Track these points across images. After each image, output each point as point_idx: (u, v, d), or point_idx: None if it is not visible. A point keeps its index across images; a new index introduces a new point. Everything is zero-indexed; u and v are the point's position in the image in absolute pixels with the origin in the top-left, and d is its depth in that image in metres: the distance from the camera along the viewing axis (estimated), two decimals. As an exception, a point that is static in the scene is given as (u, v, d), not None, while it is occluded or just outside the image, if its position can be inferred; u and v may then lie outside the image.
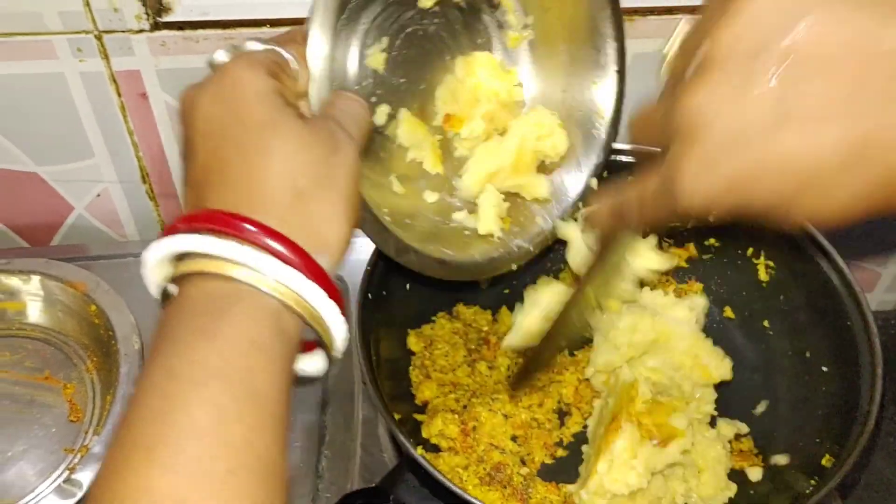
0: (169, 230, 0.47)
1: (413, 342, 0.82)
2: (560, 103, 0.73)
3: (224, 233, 0.45)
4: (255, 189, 0.47)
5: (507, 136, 0.70)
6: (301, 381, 0.49)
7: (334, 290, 0.47)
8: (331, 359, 0.50)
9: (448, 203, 0.71)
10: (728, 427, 0.79)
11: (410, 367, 0.81)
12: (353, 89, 0.62)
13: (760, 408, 0.81)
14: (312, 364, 0.50)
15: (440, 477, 0.63)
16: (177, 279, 0.47)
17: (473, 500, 0.62)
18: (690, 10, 0.84)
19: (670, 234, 0.88)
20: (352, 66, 0.62)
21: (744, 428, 0.80)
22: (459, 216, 0.70)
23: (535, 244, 0.72)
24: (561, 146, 0.72)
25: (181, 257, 0.47)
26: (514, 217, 0.72)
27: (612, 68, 0.72)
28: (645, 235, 0.73)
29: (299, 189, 0.47)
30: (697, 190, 0.46)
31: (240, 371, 0.43)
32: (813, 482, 0.69)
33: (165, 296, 0.48)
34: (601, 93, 0.73)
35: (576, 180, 0.74)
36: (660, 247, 0.89)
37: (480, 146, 0.69)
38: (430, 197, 0.69)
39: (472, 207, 0.70)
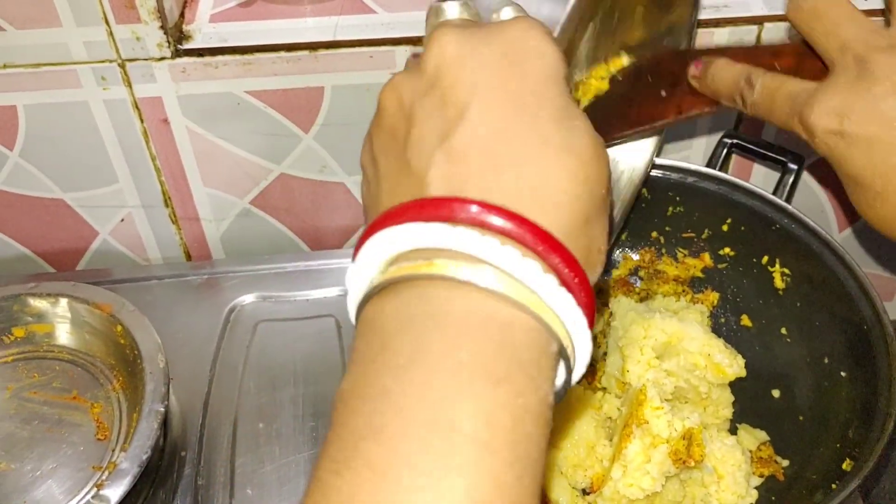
0: (418, 207, 0.36)
1: None
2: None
3: (509, 236, 0.35)
4: (550, 195, 0.37)
5: None
6: None
7: (592, 321, 0.38)
8: (570, 378, 0.39)
9: None
10: (748, 436, 0.79)
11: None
12: None
13: (779, 414, 0.82)
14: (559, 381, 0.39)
15: None
16: (395, 281, 0.36)
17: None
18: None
19: (685, 244, 0.89)
20: None
21: (763, 436, 0.80)
22: None
23: None
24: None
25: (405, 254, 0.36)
26: None
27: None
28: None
29: (592, 205, 0.38)
30: (824, 121, 0.48)
31: (531, 433, 0.34)
32: (834, 486, 0.69)
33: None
34: None
35: None
36: (674, 257, 0.90)
37: None
38: None
39: None
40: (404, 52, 0.86)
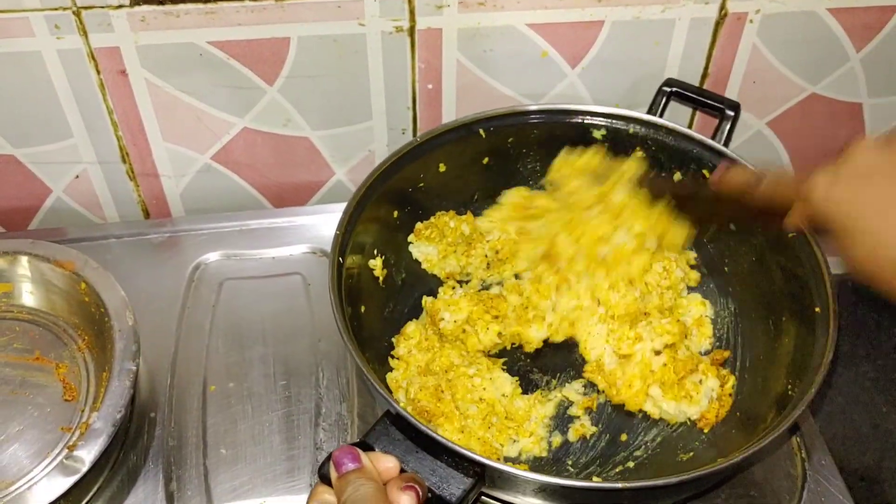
0: None
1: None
2: None
3: None
4: None
5: None
6: None
7: None
8: None
9: None
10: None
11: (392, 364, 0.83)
12: None
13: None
14: None
15: (422, 427, 0.64)
16: None
17: (455, 447, 0.63)
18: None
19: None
20: None
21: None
22: None
23: None
24: None
25: None
26: None
27: None
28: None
29: None
30: (822, 193, 0.62)
31: None
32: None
33: None
34: None
35: None
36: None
37: None
38: None
39: None
40: (373, 2, 0.84)
